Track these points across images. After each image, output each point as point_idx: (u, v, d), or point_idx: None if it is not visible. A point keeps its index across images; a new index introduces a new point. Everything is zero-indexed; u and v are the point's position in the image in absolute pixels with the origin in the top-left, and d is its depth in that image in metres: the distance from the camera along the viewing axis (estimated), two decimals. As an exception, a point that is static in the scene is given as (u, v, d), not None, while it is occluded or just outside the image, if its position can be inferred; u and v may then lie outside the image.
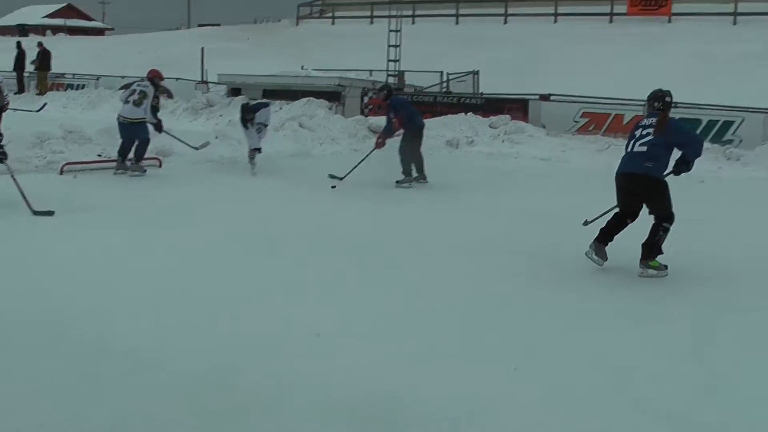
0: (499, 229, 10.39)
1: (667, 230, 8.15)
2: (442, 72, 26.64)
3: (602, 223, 8.57)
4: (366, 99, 23.96)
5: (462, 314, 6.94)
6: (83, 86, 30.99)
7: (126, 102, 14.20)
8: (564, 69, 28.22)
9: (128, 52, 41.14)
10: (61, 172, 14.10)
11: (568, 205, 11.88)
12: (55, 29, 63.13)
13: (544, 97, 21.64)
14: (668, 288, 7.83)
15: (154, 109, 14.26)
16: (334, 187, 13.33)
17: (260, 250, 8.98)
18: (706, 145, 16.82)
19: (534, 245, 9.40)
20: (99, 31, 72.61)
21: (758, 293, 7.80)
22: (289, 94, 24.19)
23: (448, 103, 22.65)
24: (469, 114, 21.32)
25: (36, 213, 10.59)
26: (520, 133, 19.52)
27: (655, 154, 8.14)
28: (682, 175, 8.39)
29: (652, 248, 8.15)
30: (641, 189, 8.29)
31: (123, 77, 29.39)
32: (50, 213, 10.63)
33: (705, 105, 19.44)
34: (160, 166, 15.21)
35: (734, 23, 34.34)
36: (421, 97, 24.08)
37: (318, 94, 23.62)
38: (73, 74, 32.86)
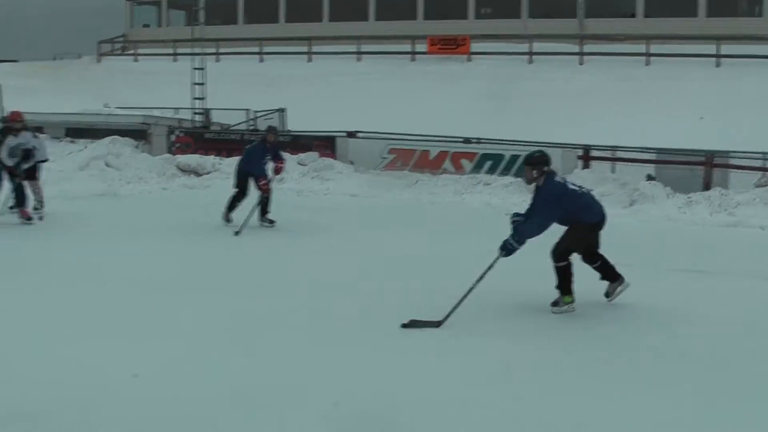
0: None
1: None
2: (248, 110, 26.67)
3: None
4: (173, 137, 23.72)
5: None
6: None
7: None
8: (369, 106, 28.78)
9: None
10: None
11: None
12: None
13: (351, 134, 21.96)
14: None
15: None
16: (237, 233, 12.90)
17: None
18: (511, 179, 17.75)
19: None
20: None
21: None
22: (93, 132, 23.73)
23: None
24: (277, 151, 21.44)
25: None
26: (329, 169, 19.73)
27: None
28: None
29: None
30: None
31: None
32: None
33: (507, 141, 20.25)
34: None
35: (530, 62, 35.94)
36: (228, 135, 24.07)
37: (123, 132, 23.25)
38: None
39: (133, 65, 43.05)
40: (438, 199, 17.59)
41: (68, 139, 24.29)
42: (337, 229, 13.81)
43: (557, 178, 8.42)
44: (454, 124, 23.21)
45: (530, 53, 36.22)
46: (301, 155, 20.87)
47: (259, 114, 26.36)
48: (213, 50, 37.61)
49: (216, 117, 26.49)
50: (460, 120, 24.72)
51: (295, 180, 19.49)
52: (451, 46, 37.91)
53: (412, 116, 25.80)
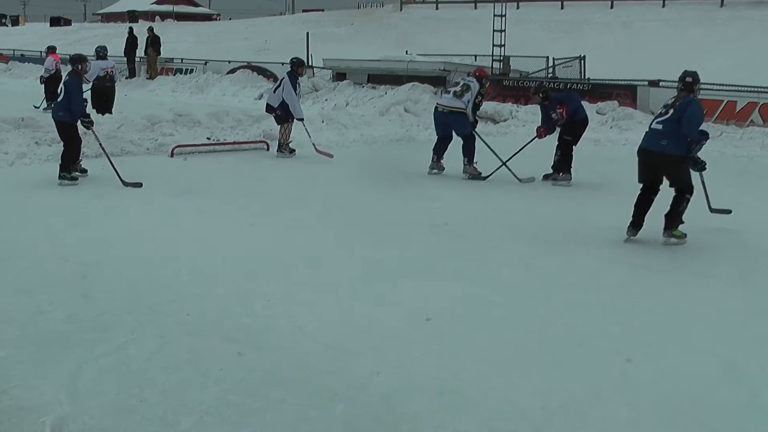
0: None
1: None
2: (547, 57, 26.32)
3: None
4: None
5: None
6: (191, 71, 31.51)
7: (447, 91, 13.57)
8: (672, 54, 27.63)
9: (234, 38, 41.64)
10: (172, 155, 14.40)
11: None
12: (164, 15, 64.29)
13: (653, 83, 21.17)
14: None
15: (476, 107, 13.51)
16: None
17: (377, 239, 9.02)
18: None
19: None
20: (206, 17, 73.58)
21: None
22: (394, 78, 24.31)
23: (554, 89, 22.35)
24: (575, 100, 21.08)
25: (126, 185, 11.30)
26: (628, 119, 19.19)
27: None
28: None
29: None
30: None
31: (229, 62, 29.89)
32: (139, 185, 11.36)
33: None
34: (268, 149, 15.47)
35: None
36: (526, 82, 23.86)
37: (422, 78, 23.64)
38: (182, 59, 33.33)
39: (434, 13, 43.48)
40: (743, 153, 16.75)
41: (370, 85, 24.97)
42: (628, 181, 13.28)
43: None
44: (766, 74, 21.80)
45: None
46: (600, 104, 20.43)
47: (558, 61, 25.97)
48: (515, -3, 37.39)
49: (515, 64, 26.32)
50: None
51: (592, 129, 19.02)
52: (765, -13, 35.58)
53: (719, 65, 24.53)
